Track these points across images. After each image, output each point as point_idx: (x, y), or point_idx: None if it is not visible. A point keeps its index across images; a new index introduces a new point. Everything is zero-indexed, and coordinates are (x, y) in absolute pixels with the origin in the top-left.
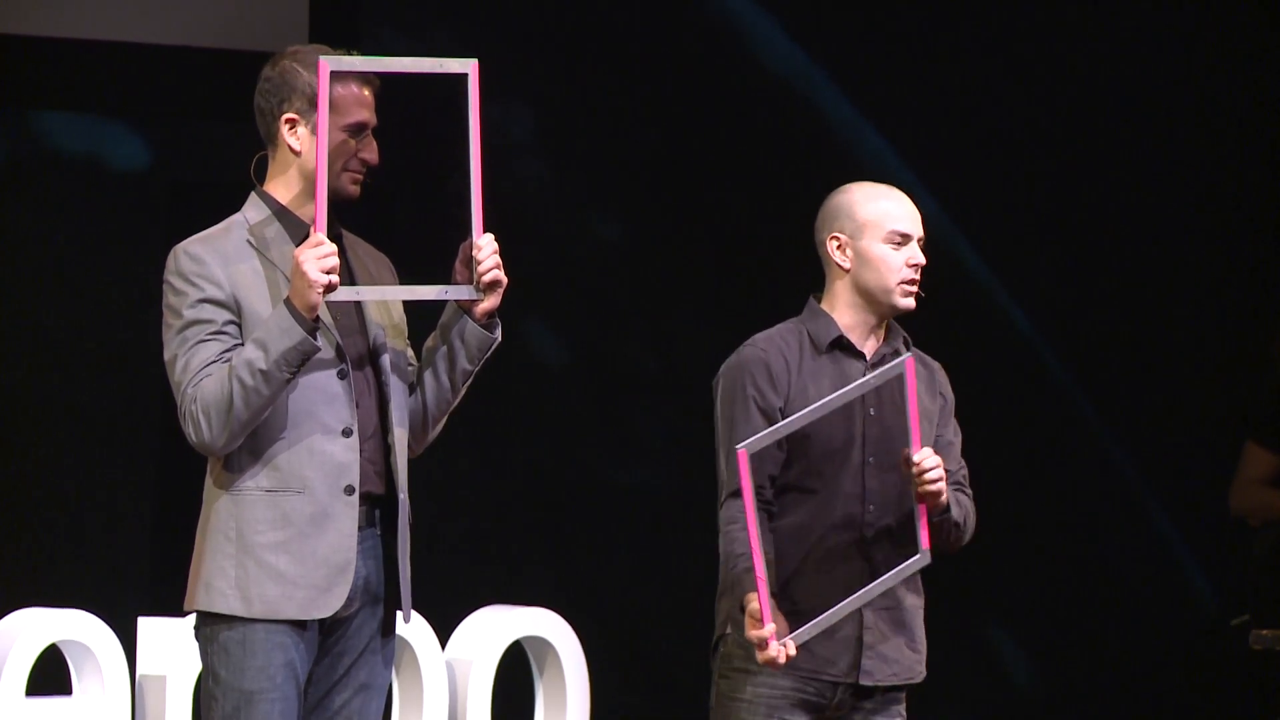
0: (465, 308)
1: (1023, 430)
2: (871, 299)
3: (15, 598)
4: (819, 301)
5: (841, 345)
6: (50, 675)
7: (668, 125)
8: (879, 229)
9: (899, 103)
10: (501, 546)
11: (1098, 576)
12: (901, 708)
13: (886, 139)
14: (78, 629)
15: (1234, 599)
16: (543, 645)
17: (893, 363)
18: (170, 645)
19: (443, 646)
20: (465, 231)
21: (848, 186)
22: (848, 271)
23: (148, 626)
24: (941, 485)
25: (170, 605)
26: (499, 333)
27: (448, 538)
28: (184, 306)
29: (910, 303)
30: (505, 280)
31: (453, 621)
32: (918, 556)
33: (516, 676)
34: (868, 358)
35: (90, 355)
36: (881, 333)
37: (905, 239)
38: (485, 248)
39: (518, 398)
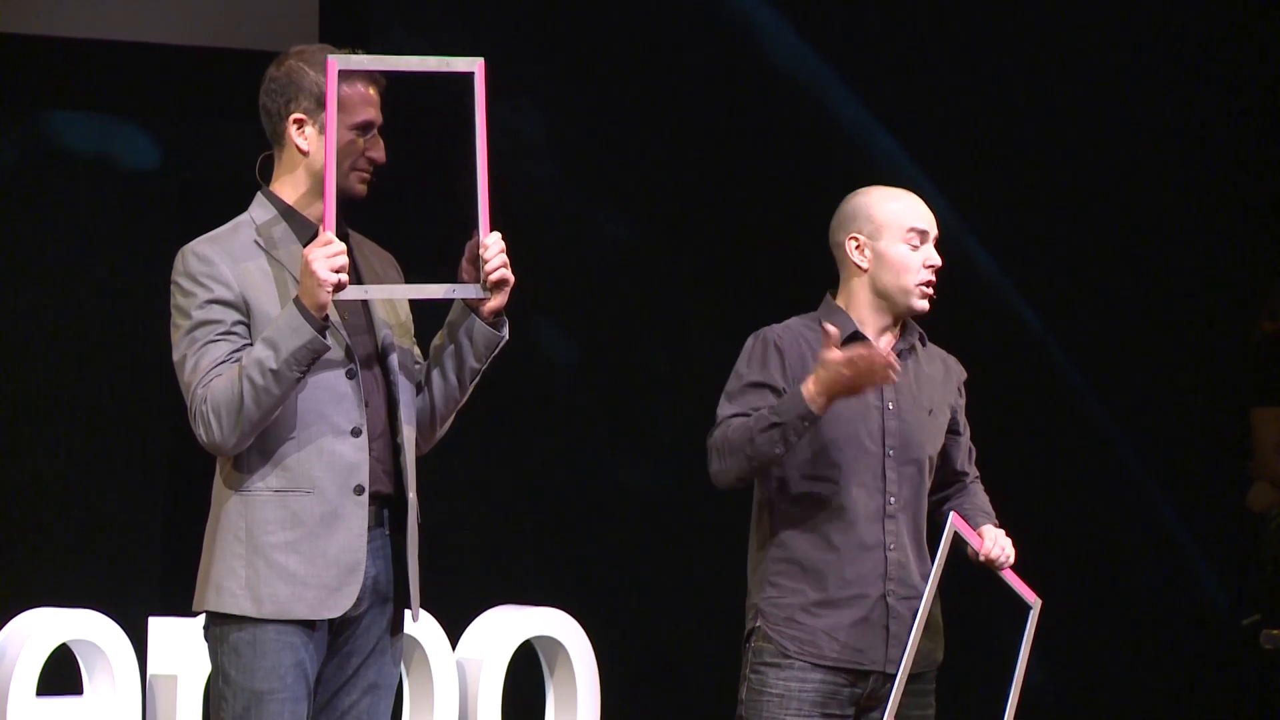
0: (472, 306)
1: (1032, 429)
2: (889, 299)
3: (26, 598)
4: (834, 298)
5: (858, 340)
6: (61, 675)
7: (678, 125)
8: (897, 229)
9: (909, 103)
10: (512, 546)
11: (1108, 577)
12: (931, 696)
13: (897, 139)
14: (88, 629)
15: (1244, 599)
16: (553, 645)
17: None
18: (181, 645)
19: (453, 646)
20: (472, 230)
21: (865, 189)
22: (865, 271)
23: (158, 626)
24: (1011, 552)
25: (181, 605)
26: (506, 331)
27: (458, 538)
28: (193, 307)
29: (925, 304)
30: (512, 279)
31: (463, 621)
32: (1033, 610)
33: (527, 676)
34: None
35: (100, 355)
36: (897, 329)
37: (923, 238)
38: (492, 246)
39: (528, 398)
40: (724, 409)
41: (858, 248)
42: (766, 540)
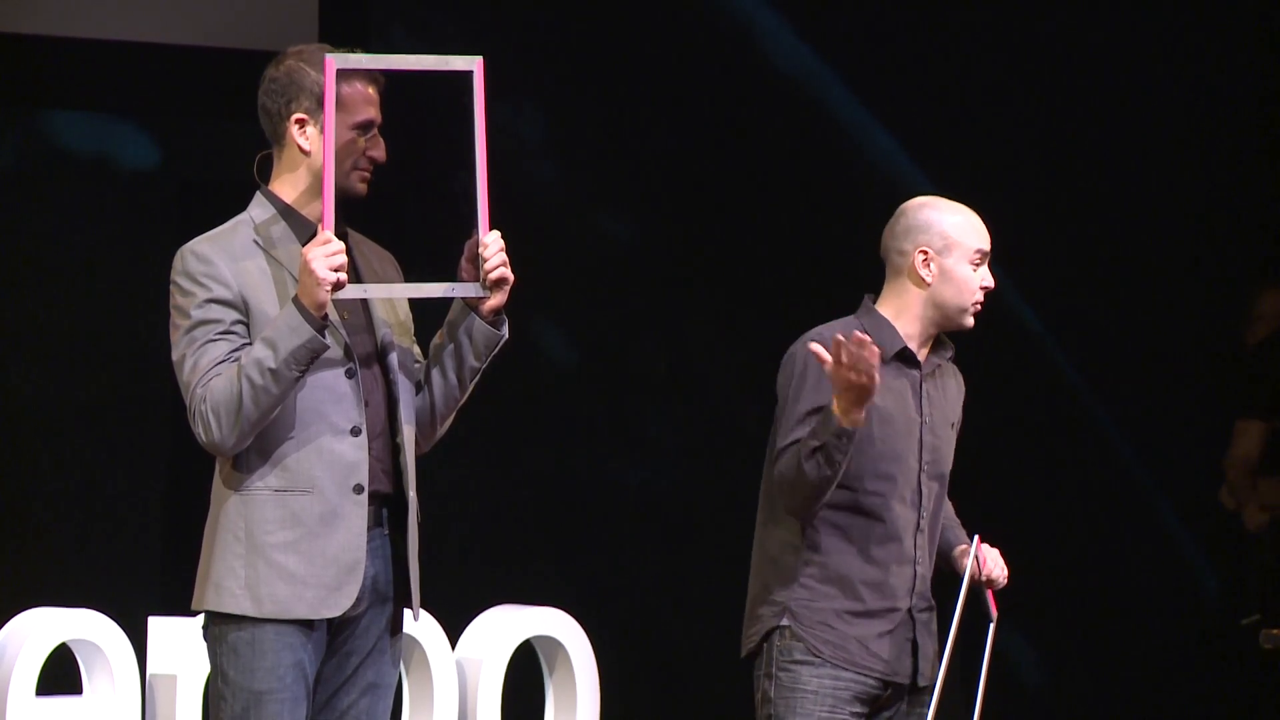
0: (472, 305)
1: (1031, 429)
2: (944, 315)
3: (25, 597)
4: (873, 303)
5: (903, 356)
6: (61, 675)
7: (678, 125)
8: (966, 249)
9: (909, 103)
10: (511, 546)
11: (1107, 577)
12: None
13: (896, 139)
14: (88, 628)
15: (1243, 599)
16: (552, 645)
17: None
18: (181, 644)
19: (453, 646)
20: (471, 229)
21: (930, 200)
22: (928, 286)
23: (158, 626)
24: (1006, 572)
25: (180, 604)
26: (506, 330)
27: (457, 537)
28: (192, 306)
29: (972, 322)
30: (512, 277)
31: (463, 621)
32: (993, 623)
33: (526, 676)
34: (923, 367)
35: (99, 354)
36: (931, 341)
37: (984, 259)
38: (491, 245)
39: (528, 398)
40: (782, 438)
41: (925, 261)
42: (798, 543)
